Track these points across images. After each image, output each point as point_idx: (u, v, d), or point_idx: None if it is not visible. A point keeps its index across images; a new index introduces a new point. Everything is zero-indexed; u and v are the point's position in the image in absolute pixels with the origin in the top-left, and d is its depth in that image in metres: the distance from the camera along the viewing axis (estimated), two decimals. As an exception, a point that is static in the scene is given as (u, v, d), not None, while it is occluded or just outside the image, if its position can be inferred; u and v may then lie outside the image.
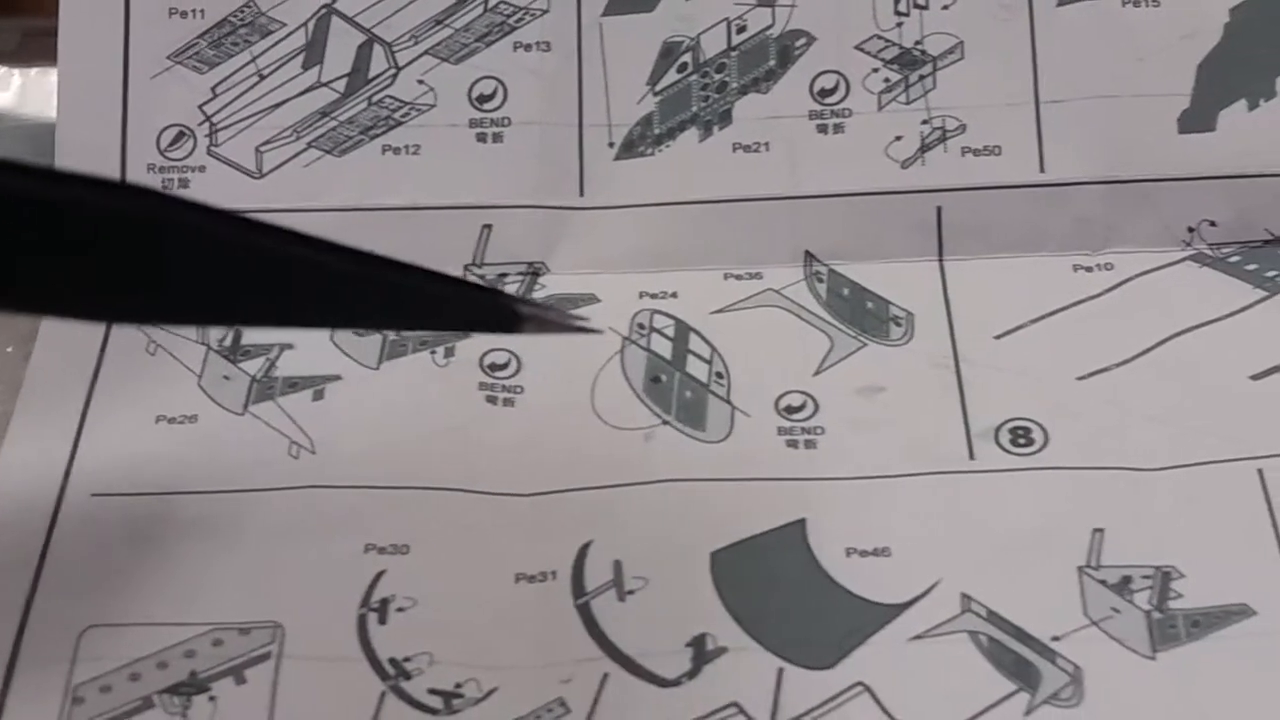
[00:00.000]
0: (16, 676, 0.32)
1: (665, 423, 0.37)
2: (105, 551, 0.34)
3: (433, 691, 0.32)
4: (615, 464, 0.36)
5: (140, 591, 0.33)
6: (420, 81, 0.40)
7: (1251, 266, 0.39)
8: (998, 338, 0.38)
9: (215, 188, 0.40)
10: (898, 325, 0.38)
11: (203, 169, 0.40)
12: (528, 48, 0.40)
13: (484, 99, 0.40)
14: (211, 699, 0.32)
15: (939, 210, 0.40)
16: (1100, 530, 0.34)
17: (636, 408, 0.37)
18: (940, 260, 0.39)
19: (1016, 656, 0.32)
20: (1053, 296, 0.39)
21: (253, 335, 0.38)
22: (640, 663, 0.32)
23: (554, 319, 0.25)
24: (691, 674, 0.32)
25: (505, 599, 0.34)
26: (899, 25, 0.40)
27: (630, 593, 0.34)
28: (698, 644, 0.33)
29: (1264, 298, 0.38)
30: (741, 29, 0.41)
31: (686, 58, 0.41)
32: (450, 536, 0.34)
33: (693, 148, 0.40)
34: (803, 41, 0.41)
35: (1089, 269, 0.39)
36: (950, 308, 0.39)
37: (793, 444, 0.36)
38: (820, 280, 0.40)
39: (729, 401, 0.37)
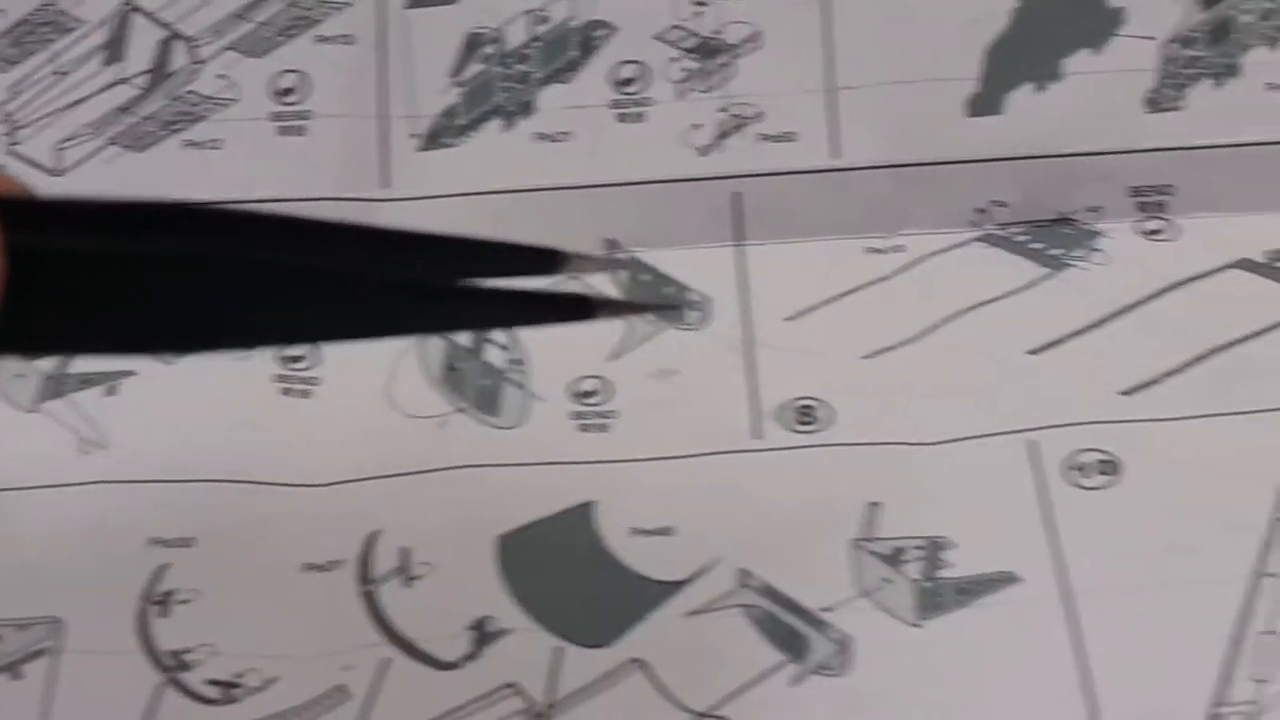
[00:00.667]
0: None
1: (460, 410, 0.37)
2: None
3: (211, 682, 0.32)
4: (408, 453, 0.36)
5: (-82, 590, 0.33)
6: (221, 76, 0.41)
7: (1038, 245, 0.40)
8: (789, 319, 0.39)
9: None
10: (693, 309, 0.39)
11: (0, 168, 0.40)
12: (330, 40, 0.41)
13: (286, 92, 0.40)
14: (-14, 694, 0.32)
15: (737, 196, 0.40)
16: (876, 504, 0.35)
17: (432, 396, 0.37)
18: (737, 245, 0.40)
19: (788, 628, 0.33)
20: (845, 279, 0.40)
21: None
22: (421, 647, 0.33)
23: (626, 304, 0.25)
24: (471, 656, 0.33)
25: (290, 588, 0.34)
26: (698, 15, 0.41)
27: (415, 579, 0.34)
28: (479, 627, 0.33)
29: (1048, 275, 0.39)
30: (544, 20, 0.41)
31: (490, 48, 0.41)
32: (238, 528, 0.35)
33: (496, 138, 0.41)
34: (604, 32, 0.41)
35: (881, 251, 0.40)
36: (746, 291, 0.39)
37: (585, 428, 0.37)
38: (621, 268, 0.40)
39: (525, 388, 0.38)
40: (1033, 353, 0.38)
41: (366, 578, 0.34)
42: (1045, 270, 0.39)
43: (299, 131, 0.40)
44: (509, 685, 0.32)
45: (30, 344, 0.21)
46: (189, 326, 0.21)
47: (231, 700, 0.32)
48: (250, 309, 0.21)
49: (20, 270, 0.18)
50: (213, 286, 0.20)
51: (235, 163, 0.40)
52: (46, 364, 0.38)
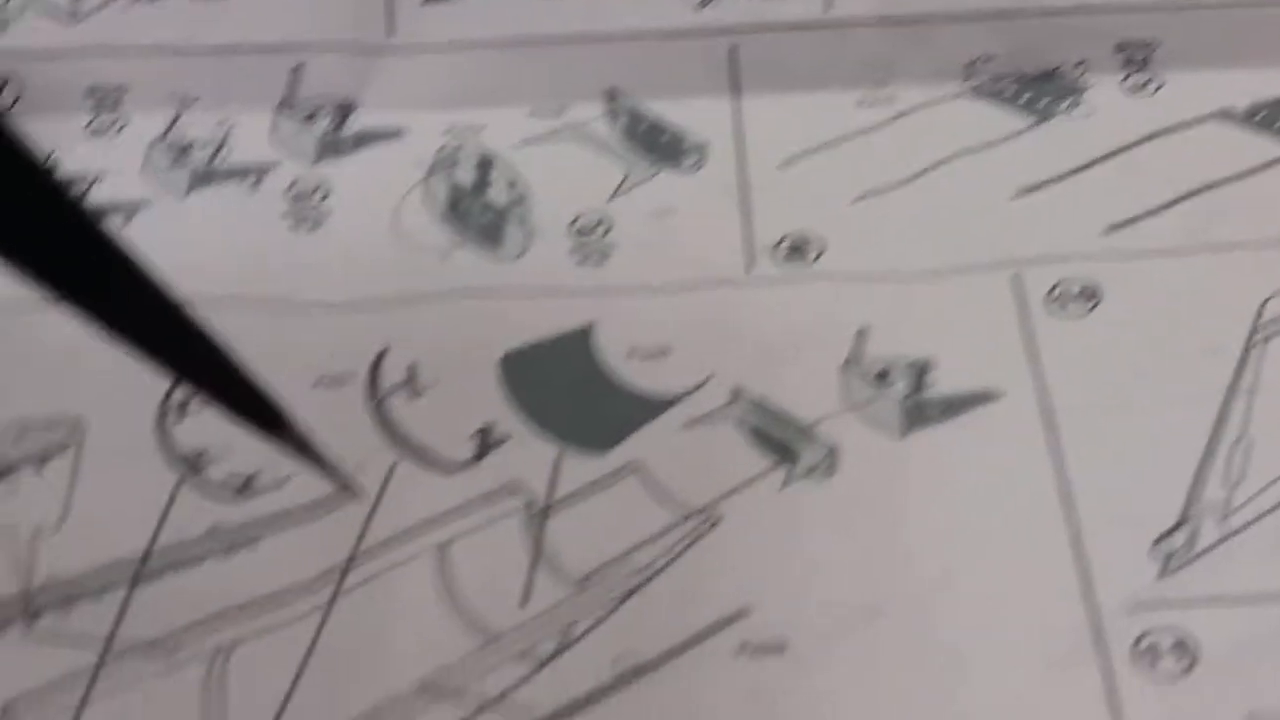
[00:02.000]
0: None
1: (464, 243, 0.38)
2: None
3: (228, 478, 0.34)
4: (414, 280, 0.38)
5: (-55, 393, 0.35)
6: (232, -74, 0.42)
7: (1026, 96, 0.41)
8: (782, 167, 0.40)
9: (34, 34, 0.41)
10: (690, 155, 0.40)
11: (22, 12, 0.41)
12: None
13: (295, -59, 0.42)
14: (12, 487, 0.33)
15: (734, 49, 0.42)
16: (864, 330, 0.36)
17: (437, 229, 0.39)
18: (733, 97, 0.41)
19: (777, 438, 0.34)
20: (837, 129, 0.41)
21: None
22: (428, 452, 0.34)
23: (316, 453, 0.25)
24: (476, 459, 0.34)
25: (302, 400, 0.35)
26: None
27: (422, 391, 0.35)
28: (482, 434, 0.35)
29: (1034, 124, 0.41)
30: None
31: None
32: (251, 343, 0.36)
33: (500, -9, 0.42)
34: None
35: (872, 104, 0.41)
36: (741, 140, 0.41)
37: (584, 261, 0.38)
38: (619, 115, 0.41)
39: (526, 224, 0.39)
40: (1017, 195, 0.39)
41: (375, 391, 0.35)
42: (1031, 121, 0.41)
43: (307, -21, 0.41)
44: (512, 484, 0.34)
45: None
46: None
47: (247, 496, 0.33)
48: None
49: None
50: None
51: (247, 7, 0.41)
52: (65, 194, 0.39)
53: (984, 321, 0.36)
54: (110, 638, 0.31)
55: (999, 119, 0.41)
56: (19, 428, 0.34)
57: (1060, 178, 0.39)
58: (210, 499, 0.33)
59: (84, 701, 0.30)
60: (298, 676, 0.31)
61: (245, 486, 0.34)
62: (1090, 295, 0.37)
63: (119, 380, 0.35)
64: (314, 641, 0.31)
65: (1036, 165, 0.39)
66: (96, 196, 0.39)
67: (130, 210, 0.39)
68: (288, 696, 0.31)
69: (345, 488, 0.28)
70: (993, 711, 0.30)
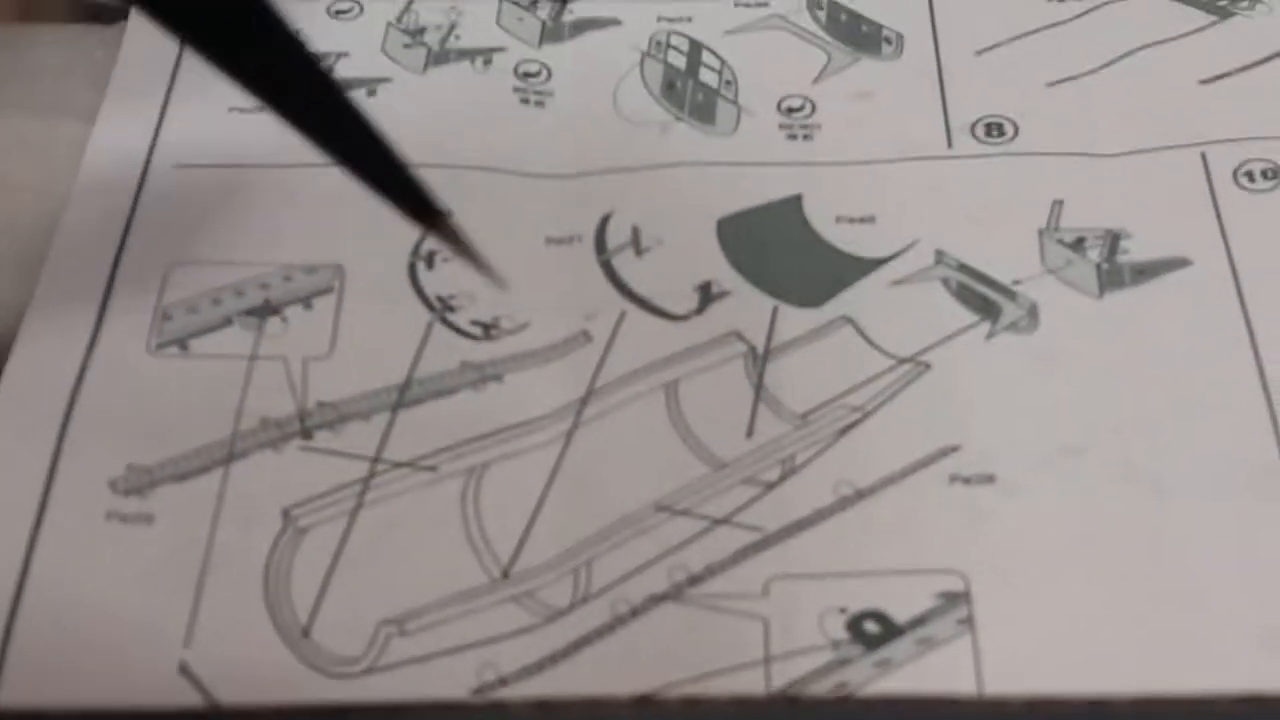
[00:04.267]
0: (113, 297, 0.37)
1: (679, 120, 0.41)
2: (187, 208, 0.39)
3: (474, 322, 0.37)
4: (634, 152, 0.41)
5: (219, 239, 0.38)
6: None
7: (1208, -5, 0.43)
8: (978, 53, 0.42)
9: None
10: (889, 44, 0.43)
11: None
12: None
13: None
14: (284, 320, 0.37)
15: (927, -55, 0.44)
16: (1060, 202, 0.39)
17: (654, 108, 0.42)
18: (927, -9, 0.44)
19: (981, 296, 0.37)
20: (1029, 21, 0.43)
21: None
22: (654, 303, 0.37)
23: (465, 243, 0.29)
24: (699, 310, 0.37)
25: (536, 256, 0.38)
26: None
27: (646, 250, 0.38)
28: (704, 289, 0.38)
29: (1214, 21, 0.43)
30: None
31: None
32: (487, 206, 0.39)
33: None
34: None
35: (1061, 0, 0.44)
36: (936, 30, 0.43)
37: (792, 137, 0.41)
38: (820, 7, 0.44)
39: (736, 103, 0.42)
40: (1204, 82, 0.41)
41: (602, 249, 0.38)
42: (1213, 18, 0.43)
43: None
44: (734, 333, 0.36)
45: None
46: None
47: (491, 339, 0.37)
48: None
49: None
50: None
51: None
52: (313, 70, 0.42)
53: (1174, 196, 0.39)
54: (378, 454, 0.34)
55: (1182, 15, 0.43)
56: (286, 270, 0.37)
57: (1243, 69, 0.41)
58: (461, 337, 0.37)
59: (357, 507, 0.34)
60: (544, 495, 0.34)
61: (489, 329, 0.37)
62: (1273, 174, 0.39)
63: (374, 231, 0.38)
64: (556, 466, 0.35)
65: (1220, 57, 0.42)
66: (341, 71, 0.42)
67: (373, 85, 0.42)
68: (536, 510, 0.34)
69: (495, 279, 0.31)
70: (1194, 532, 0.32)
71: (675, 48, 0.43)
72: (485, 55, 0.43)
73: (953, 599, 0.32)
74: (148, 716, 0.31)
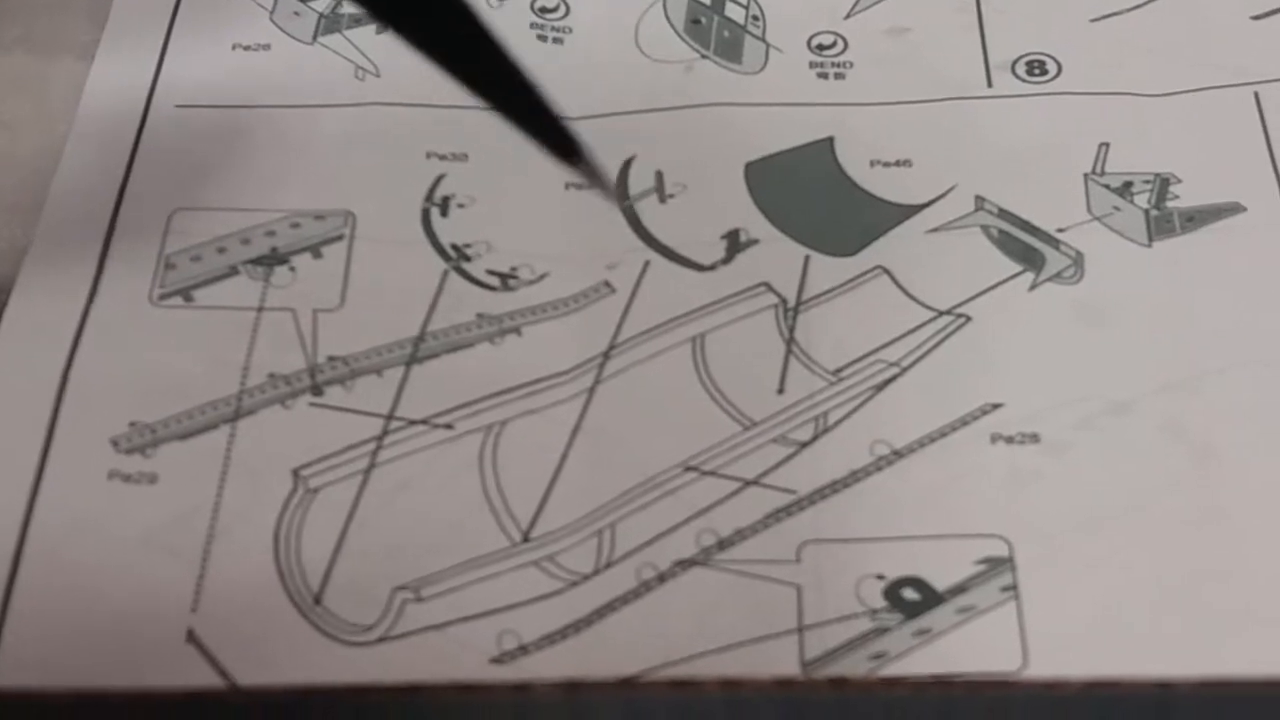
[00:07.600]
0: (113, 244, 0.35)
1: (705, 57, 0.39)
2: (190, 151, 0.37)
3: (491, 272, 0.35)
4: (657, 91, 0.39)
5: (224, 184, 0.36)
6: None
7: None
8: (1018, -13, 0.40)
9: None
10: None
11: None
12: None
13: None
14: (291, 269, 0.35)
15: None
16: (1106, 144, 0.37)
17: (678, 44, 0.40)
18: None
19: (1024, 244, 0.35)
20: (1070, -41, 0.41)
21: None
22: (679, 252, 0.36)
23: (604, 180, 0.29)
24: (726, 260, 0.35)
25: (556, 202, 0.37)
26: None
27: (670, 196, 0.37)
28: (732, 236, 0.36)
29: (1270, -49, 0.41)
30: None
31: None
32: (505, 149, 0.37)
33: None
34: None
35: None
36: (974, -37, 0.41)
37: (823, 75, 0.39)
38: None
39: (764, 40, 0.40)
40: (1256, 18, 0.39)
41: (624, 195, 0.37)
42: (1268, -52, 0.41)
43: None
44: (763, 284, 0.35)
45: None
46: None
47: (509, 289, 0.35)
48: None
49: None
50: None
51: None
52: (320, 4, 0.40)
53: (1224, 137, 0.37)
54: (391, 411, 0.33)
55: (1234, -55, 0.41)
56: (295, 217, 0.36)
57: (1297, 4, 0.39)
58: (477, 287, 0.35)
59: (370, 466, 0.32)
60: (565, 454, 0.33)
61: (507, 279, 0.35)
62: (1331, 114, 0.37)
63: (385, 176, 0.36)
64: (578, 424, 0.33)
65: (1274, -8, 0.39)
66: (350, 6, 0.40)
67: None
68: (557, 470, 0.32)
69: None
70: (1242, 493, 0.31)
71: (699, -19, 0.41)
72: (500, -11, 0.41)
73: (996, 565, 0.30)
74: (156, 698, 0.29)
